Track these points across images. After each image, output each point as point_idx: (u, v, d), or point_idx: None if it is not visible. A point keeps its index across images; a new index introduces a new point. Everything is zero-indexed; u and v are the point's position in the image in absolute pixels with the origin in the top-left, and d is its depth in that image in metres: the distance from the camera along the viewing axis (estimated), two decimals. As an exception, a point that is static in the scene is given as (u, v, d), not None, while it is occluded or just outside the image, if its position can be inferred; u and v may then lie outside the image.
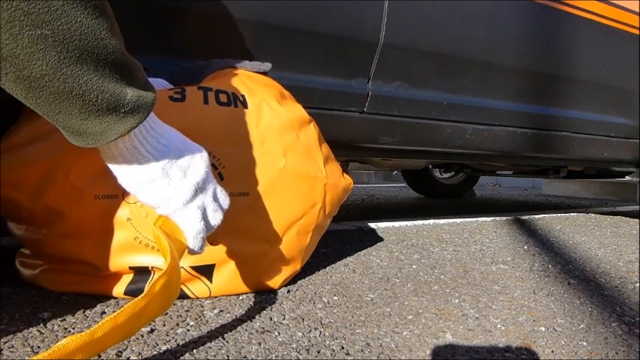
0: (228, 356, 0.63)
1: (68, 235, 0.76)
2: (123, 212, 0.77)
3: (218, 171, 0.82)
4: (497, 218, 2.02)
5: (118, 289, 0.80)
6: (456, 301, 0.90)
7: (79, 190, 0.75)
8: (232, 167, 0.84)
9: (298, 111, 0.97)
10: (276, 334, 0.71)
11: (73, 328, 0.68)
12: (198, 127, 0.81)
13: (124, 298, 0.80)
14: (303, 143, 0.93)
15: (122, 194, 0.77)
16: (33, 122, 0.78)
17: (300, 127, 0.95)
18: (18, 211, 0.78)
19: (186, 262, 0.80)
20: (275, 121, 0.89)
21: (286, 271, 0.90)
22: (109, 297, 0.80)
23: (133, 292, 0.80)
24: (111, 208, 0.76)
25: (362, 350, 0.67)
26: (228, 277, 0.84)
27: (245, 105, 0.87)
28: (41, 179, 0.75)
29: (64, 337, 0.65)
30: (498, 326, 0.79)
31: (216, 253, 0.82)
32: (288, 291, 0.90)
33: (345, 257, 1.18)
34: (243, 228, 0.84)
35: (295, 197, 0.89)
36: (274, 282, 0.89)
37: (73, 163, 0.75)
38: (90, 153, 0.76)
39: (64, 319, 0.71)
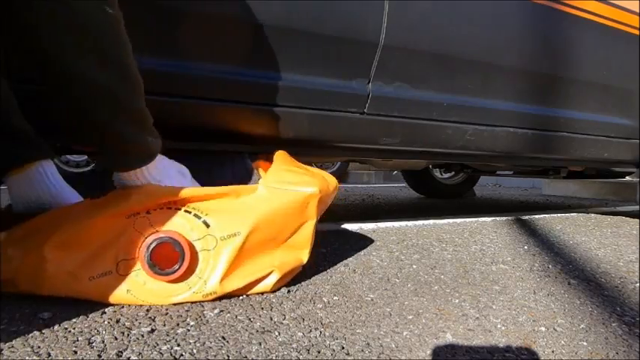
0: (228, 356, 0.63)
1: None
2: (121, 286, 0.78)
3: (202, 219, 0.83)
4: (498, 218, 2.02)
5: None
6: (456, 301, 0.90)
7: (73, 275, 0.76)
8: (216, 213, 0.85)
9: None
10: (277, 334, 0.71)
11: (74, 328, 0.68)
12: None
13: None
14: (277, 170, 0.98)
15: (115, 269, 0.78)
16: (34, 220, 0.81)
17: (266, 158, 1.02)
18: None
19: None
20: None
21: (286, 279, 0.92)
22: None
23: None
24: (108, 286, 0.77)
25: (362, 350, 0.67)
26: None
27: None
28: (35, 271, 0.76)
29: (65, 337, 0.65)
30: (498, 326, 0.79)
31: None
32: (289, 291, 0.90)
33: (345, 257, 1.18)
34: (239, 265, 0.84)
35: (288, 220, 0.90)
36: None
37: (60, 251, 0.76)
38: (76, 238, 0.79)
39: (64, 319, 0.71)
